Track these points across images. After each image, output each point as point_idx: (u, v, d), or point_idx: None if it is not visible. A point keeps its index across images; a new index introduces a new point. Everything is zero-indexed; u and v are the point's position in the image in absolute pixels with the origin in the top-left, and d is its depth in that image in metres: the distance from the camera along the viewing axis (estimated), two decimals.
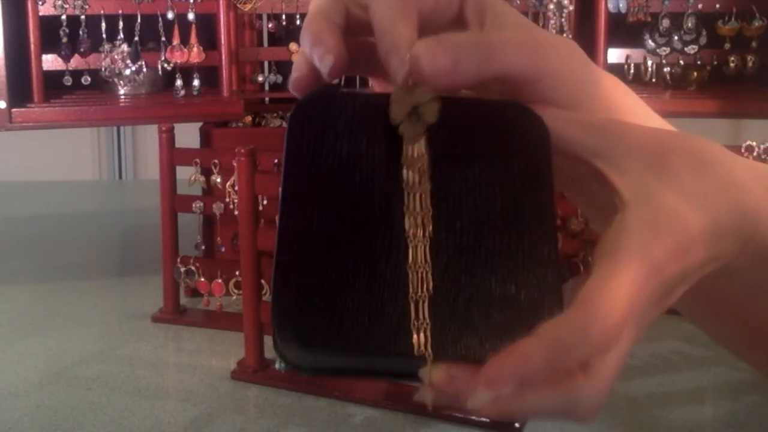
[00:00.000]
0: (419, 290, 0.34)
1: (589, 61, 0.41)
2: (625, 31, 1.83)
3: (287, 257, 0.34)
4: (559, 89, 0.39)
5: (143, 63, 1.76)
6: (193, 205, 1.73)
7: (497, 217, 0.36)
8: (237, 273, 1.68)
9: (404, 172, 0.35)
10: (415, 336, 0.34)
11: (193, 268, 1.71)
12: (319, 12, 0.39)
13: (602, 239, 0.35)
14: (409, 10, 0.38)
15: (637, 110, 0.42)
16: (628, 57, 1.83)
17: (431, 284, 0.35)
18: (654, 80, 1.81)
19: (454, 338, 0.34)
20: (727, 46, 1.80)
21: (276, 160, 1.59)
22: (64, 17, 1.70)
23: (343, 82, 0.40)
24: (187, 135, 1.85)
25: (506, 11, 0.40)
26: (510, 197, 0.36)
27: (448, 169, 0.36)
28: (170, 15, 1.75)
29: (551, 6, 1.75)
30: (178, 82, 1.79)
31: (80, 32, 1.72)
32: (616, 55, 1.82)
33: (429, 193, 0.36)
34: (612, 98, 0.41)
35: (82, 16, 1.71)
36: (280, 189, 0.37)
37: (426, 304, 0.34)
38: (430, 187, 0.36)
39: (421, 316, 0.34)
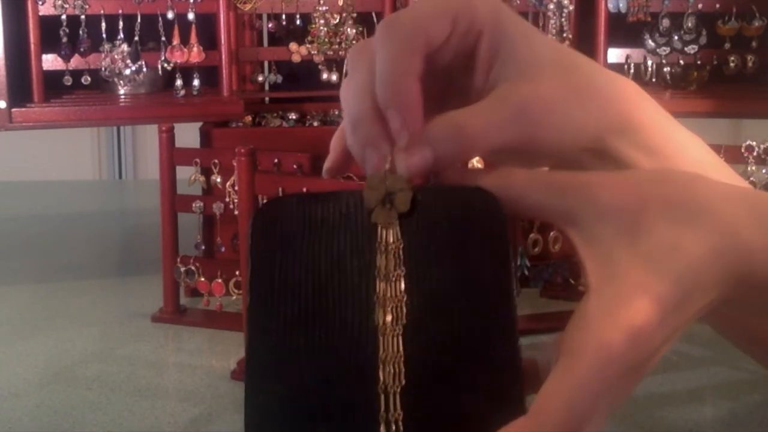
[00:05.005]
0: (392, 382, 0.34)
1: (603, 84, 0.40)
2: (625, 31, 1.83)
3: (250, 366, 0.35)
4: (558, 138, 0.39)
5: (143, 63, 1.76)
6: (193, 205, 1.73)
7: (464, 308, 0.35)
8: (237, 273, 1.68)
9: (378, 258, 0.35)
10: (383, 428, 0.34)
11: (193, 268, 1.71)
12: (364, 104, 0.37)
13: (567, 328, 0.35)
14: (413, 62, 0.37)
15: (657, 124, 0.41)
16: (628, 57, 1.83)
17: (403, 374, 0.34)
18: (654, 80, 1.81)
19: (425, 429, 0.34)
20: (727, 46, 1.80)
21: (276, 160, 1.59)
22: (64, 17, 1.70)
23: None
24: (187, 135, 1.85)
25: (519, 57, 0.39)
26: (473, 288, 0.35)
27: (417, 257, 0.36)
28: (170, 15, 1.75)
29: (551, 6, 1.74)
30: (178, 82, 1.79)
31: (80, 32, 1.72)
32: (616, 55, 1.82)
33: (403, 279, 0.35)
34: (626, 116, 0.40)
35: (82, 16, 1.71)
36: (248, 296, 0.37)
37: (398, 397, 0.34)
38: (405, 273, 0.36)
39: (392, 408, 0.34)
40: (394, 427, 0.34)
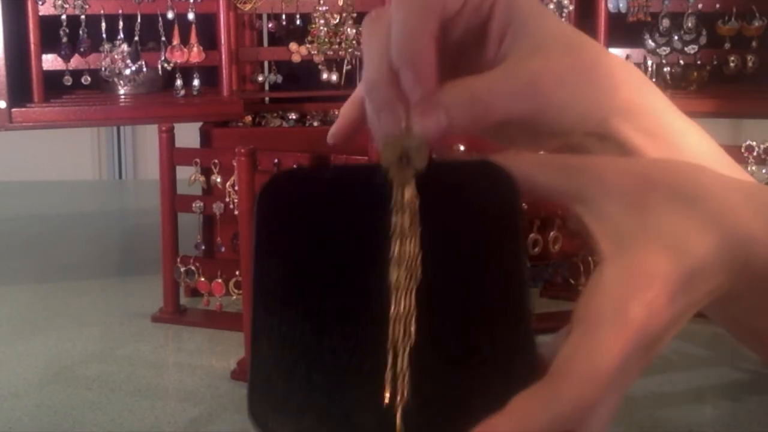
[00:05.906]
0: (402, 338, 0.34)
1: (610, 67, 0.40)
2: (625, 31, 1.83)
3: (257, 324, 0.35)
4: (566, 117, 0.39)
5: (143, 63, 1.76)
6: (193, 205, 1.73)
7: (475, 269, 0.36)
8: (237, 273, 1.68)
9: (393, 216, 0.35)
10: (389, 386, 0.33)
11: (193, 268, 1.71)
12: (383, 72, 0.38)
13: (581, 296, 0.34)
14: (429, 23, 0.37)
15: (659, 110, 0.42)
16: (628, 57, 1.82)
17: (413, 331, 0.34)
18: (654, 80, 1.81)
19: (435, 387, 0.34)
20: (727, 46, 1.80)
21: (276, 160, 1.59)
22: (64, 17, 1.70)
23: None
24: (187, 135, 1.85)
25: (530, 31, 0.39)
26: (482, 252, 0.36)
27: (431, 218, 0.36)
28: (170, 15, 1.75)
29: (551, 6, 1.74)
30: (178, 82, 1.79)
31: (80, 32, 1.72)
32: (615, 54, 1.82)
33: (419, 237, 0.35)
34: (630, 100, 0.41)
35: (82, 16, 1.71)
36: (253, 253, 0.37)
37: (407, 353, 0.34)
38: (420, 231, 0.35)
39: (399, 365, 0.34)
40: (401, 384, 0.34)
